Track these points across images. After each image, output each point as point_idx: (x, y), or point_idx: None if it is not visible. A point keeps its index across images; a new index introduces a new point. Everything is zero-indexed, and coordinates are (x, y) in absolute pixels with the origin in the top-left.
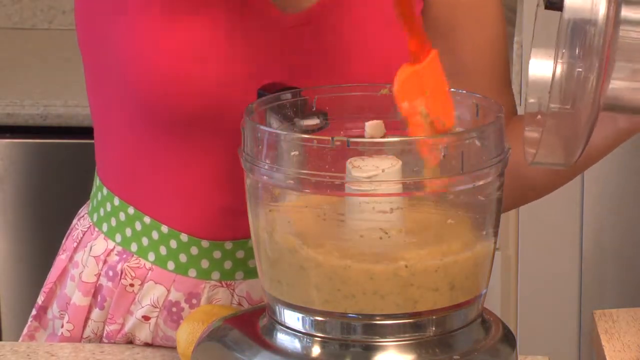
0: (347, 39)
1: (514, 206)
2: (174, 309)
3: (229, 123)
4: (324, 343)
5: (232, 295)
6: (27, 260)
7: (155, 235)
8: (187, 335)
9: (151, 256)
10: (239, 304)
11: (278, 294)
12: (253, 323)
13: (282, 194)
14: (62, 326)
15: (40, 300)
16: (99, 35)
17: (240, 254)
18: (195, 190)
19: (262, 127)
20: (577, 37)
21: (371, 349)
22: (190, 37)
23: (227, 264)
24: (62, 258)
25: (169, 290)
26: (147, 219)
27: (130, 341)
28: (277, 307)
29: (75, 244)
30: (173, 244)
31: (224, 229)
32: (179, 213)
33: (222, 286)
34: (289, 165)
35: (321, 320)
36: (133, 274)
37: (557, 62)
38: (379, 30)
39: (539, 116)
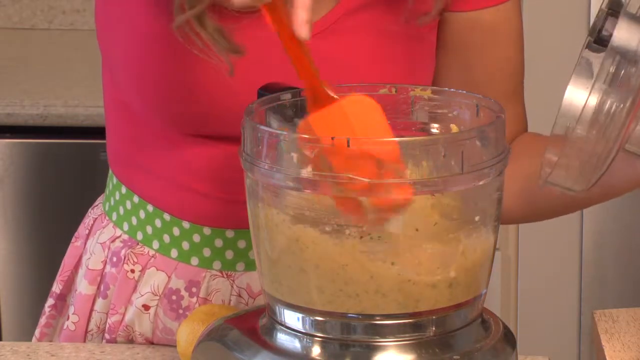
0: (353, 50)
1: (517, 222)
2: (174, 297)
3: (233, 112)
4: (324, 343)
5: (232, 287)
6: (27, 260)
7: (158, 223)
8: (187, 335)
9: (155, 244)
10: (239, 295)
11: (279, 295)
12: (253, 323)
13: (282, 194)
14: (68, 318)
15: (57, 289)
16: (115, 21)
17: (241, 244)
18: (198, 178)
19: (262, 127)
20: (617, 72)
21: (371, 349)
22: None
23: (229, 254)
24: (76, 245)
25: (169, 278)
26: (149, 207)
27: (130, 338)
28: (277, 307)
29: (87, 231)
30: (176, 231)
31: (225, 216)
32: (181, 201)
33: (222, 276)
34: (289, 165)
35: (321, 320)
36: (135, 260)
37: (592, 92)
38: (373, 40)
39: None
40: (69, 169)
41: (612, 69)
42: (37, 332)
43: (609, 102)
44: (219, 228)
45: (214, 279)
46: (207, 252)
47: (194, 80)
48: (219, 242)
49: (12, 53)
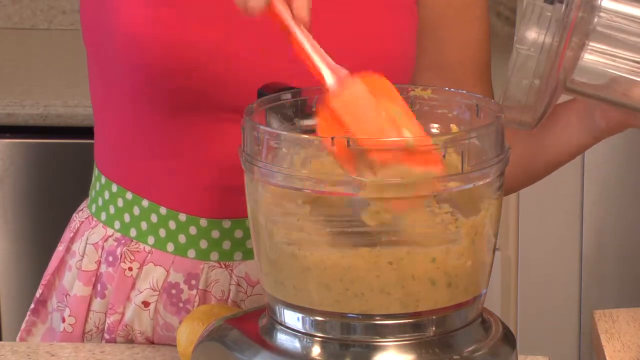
0: (348, 18)
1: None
2: (174, 291)
3: (225, 101)
4: (324, 343)
5: (231, 276)
6: (27, 260)
7: (154, 218)
8: (187, 335)
9: (150, 239)
10: (238, 284)
11: (281, 296)
12: (253, 323)
13: (282, 194)
14: (64, 320)
15: (38, 293)
16: (101, 11)
17: (238, 234)
18: (192, 169)
19: (262, 127)
20: (548, 9)
21: (371, 349)
22: (189, 5)
23: (226, 244)
24: (59, 249)
25: (168, 272)
26: (145, 202)
27: (130, 338)
28: (277, 307)
29: (71, 234)
30: (172, 224)
31: (221, 206)
32: (176, 193)
33: (221, 267)
34: (289, 165)
35: (321, 320)
36: (132, 257)
37: (526, 26)
38: (381, 12)
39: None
40: (69, 169)
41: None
42: (17, 337)
43: (544, 37)
44: (216, 219)
45: (212, 270)
46: (204, 244)
47: (196, 54)
48: (215, 233)
49: (12, 53)
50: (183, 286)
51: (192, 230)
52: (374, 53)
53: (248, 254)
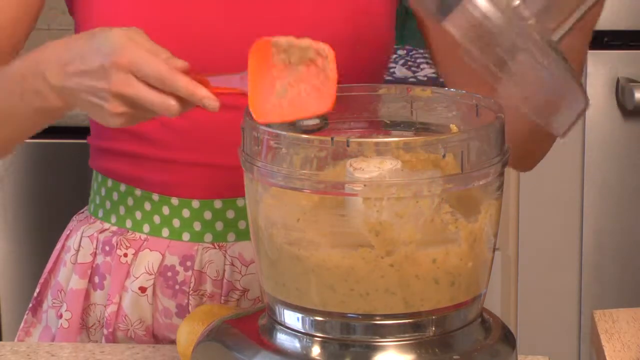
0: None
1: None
2: (169, 274)
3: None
4: (323, 343)
5: (225, 257)
6: (27, 260)
7: (147, 206)
8: (187, 335)
9: (146, 228)
10: (232, 264)
11: (283, 297)
12: (253, 323)
13: (282, 194)
14: (60, 317)
15: (36, 293)
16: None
17: (230, 214)
18: (181, 152)
19: (261, 127)
20: None
21: (371, 349)
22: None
23: (219, 225)
24: (57, 248)
25: (163, 255)
26: (138, 192)
27: (130, 335)
28: (276, 307)
29: (68, 232)
30: (165, 210)
31: (211, 187)
32: (167, 178)
33: (215, 248)
34: (289, 165)
35: (321, 320)
36: (127, 244)
37: None
38: None
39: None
40: (69, 169)
41: None
42: (16, 337)
43: None
44: (207, 199)
45: (206, 252)
46: (197, 226)
47: (186, 29)
48: (208, 215)
49: None
50: (179, 268)
51: (185, 213)
52: (353, 27)
53: (241, 235)
